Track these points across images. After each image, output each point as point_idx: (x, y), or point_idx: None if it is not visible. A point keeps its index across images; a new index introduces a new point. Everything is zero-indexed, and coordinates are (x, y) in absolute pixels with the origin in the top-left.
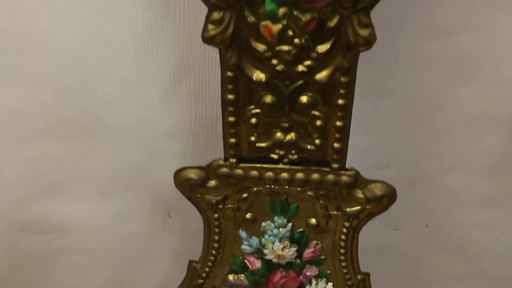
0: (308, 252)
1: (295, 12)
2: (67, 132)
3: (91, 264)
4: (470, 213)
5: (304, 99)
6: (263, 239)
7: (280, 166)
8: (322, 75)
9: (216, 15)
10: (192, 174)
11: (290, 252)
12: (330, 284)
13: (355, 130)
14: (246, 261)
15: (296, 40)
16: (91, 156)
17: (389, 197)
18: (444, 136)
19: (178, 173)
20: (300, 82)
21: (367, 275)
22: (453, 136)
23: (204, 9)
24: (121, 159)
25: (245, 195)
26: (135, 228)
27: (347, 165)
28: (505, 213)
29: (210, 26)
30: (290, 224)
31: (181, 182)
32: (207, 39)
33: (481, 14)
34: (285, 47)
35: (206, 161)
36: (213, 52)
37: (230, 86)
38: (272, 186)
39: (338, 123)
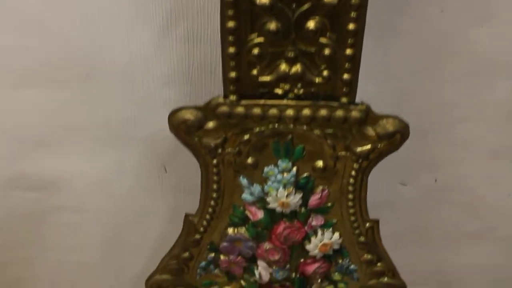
0: (314, 199)
1: None
2: (56, 78)
3: (84, 222)
4: (481, 167)
5: (311, 24)
6: (265, 186)
7: (285, 101)
8: None
9: None
10: (189, 115)
11: (295, 199)
12: (337, 233)
13: (363, 76)
14: (247, 212)
15: None
16: (82, 104)
17: (402, 133)
18: (456, 83)
19: (173, 115)
20: (307, 5)
21: (376, 222)
22: (466, 83)
23: None
24: (113, 109)
25: (246, 137)
26: (130, 184)
27: None
28: None
29: None
30: (295, 169)
31: (177, 124)
32: None
33: None
34: None
35: None
36: None
37: (230, 12)
38: (276, 126)
39: (348, 52)
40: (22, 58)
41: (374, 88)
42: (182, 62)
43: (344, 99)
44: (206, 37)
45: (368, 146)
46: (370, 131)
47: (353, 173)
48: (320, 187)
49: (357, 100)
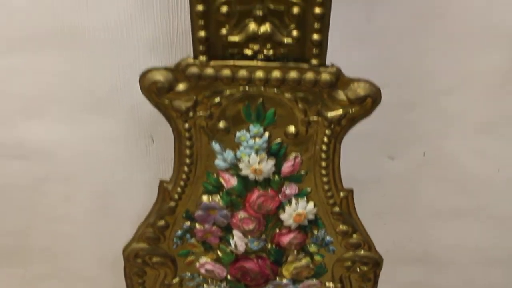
0: (287, 166)
1: None
2: (40, 44)
3: (72, 192)
4: (470, 140)
5: None
6: (238, 152)
7: (255, 62)
8: None
9: None
10: (159, 76)
11: (267, 165)
12: (311, 203)
13: (346, 44)
14: (220, 178)
15: None
16: (66, 71)
17: (373, 97)
18: (444, 50)
19: (143, 76)
20: None
21: (350, 192)
22: (455, 50)
23: None
24: (98, 76)
25: (217, 99)
26: (117, 154)
27: None
28: (507, 142)
29: None
30: (267, 134)
31: (147, 85)
32: None
33: None
34: None
35: None
36: None
37: None
38: (247, 88)
39: (317, 10)
40: (5, 24)
41: (359, 57)
42: (166, 26)
43: (314, 61)
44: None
45: (340, 111)
46: (341, 95)
47: (325, 139)
48: (293, 154)
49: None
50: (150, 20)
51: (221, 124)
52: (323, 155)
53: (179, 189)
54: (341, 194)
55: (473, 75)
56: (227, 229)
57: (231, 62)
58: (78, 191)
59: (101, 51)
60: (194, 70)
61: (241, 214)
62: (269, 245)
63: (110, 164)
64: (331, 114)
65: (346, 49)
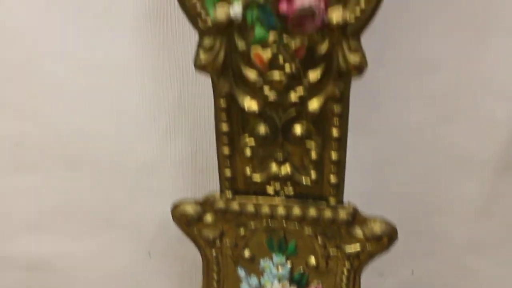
0: None
1: (285, 39)
2: (47, 164)
3: None
4: (457, 259)
5: (297, 129)
6: (262, 279)
7: (276, 200)
8: (314, 104)
9: (207, 41)
10: (189, 208)
11: None
12: None
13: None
14: None
15: (287, 67)
16: (70, 190)
17: (389, 236)
18: (428, 177)
19: (175, 208)
20: (293, 112)
21: None
22: (438, 177)
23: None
24: (100, 194)
25: (242, 231)
26: (116, 268)
27: None
28: (493, 262)
29: (202, 53)
30: (289, 263)
31: (178, 217)
32: (200, 67)
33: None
34: (276, 75)
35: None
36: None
37: (223, 116)
38: (269, 222)
39: (333, 156)
40: (15, 145)
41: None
42: (164, 151)
43: (332, 200)
44: (184, 130)
45: (358, 247)
46: (358, 232)
47: (345, 272)
48: (315, 282)
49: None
50: (149, 146)
51: (246, 253)
52: (344, 286)
53: None
54: None
55: (457, 198)
56: None
57: (254, 199)
58: None
59: (102, 171)
60: (220, 204)
61: None
62: None
63: (109, 278)
64: (349, 249)
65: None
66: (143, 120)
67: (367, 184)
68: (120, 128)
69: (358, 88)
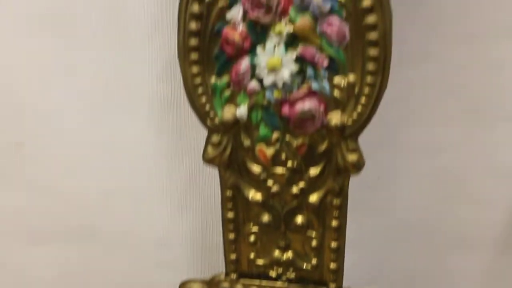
0: None
1: (287, 137)
2: (62, 237)
3: None
4: None
5: (299, 219)
6: None
7: (278, 284)
8: (314, 197)
9: (215, 138)
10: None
11: None
12: None
13: None
14: None
15: (289, 163)
16: (85, 260)
17: None
18: (429, 257)
19: (183, 286)
20: (295, 203)
21: None
22: (439, 257)
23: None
24: (110, 266)
25: None
26: None
27: None
28: None
29: (210, 149)
30: None
31: None
32: (208, 160)
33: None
34: (279, 170)
35: (197, 273)
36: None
37: (229, 205)
38: None
39: (333, 244)
40: (35, 218)
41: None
42: (174, 227)
43: (332, 285)
44: (196, 207)
45: None
46: None
47: None
48: None
49: None
50: (160, 222)
51: None
52: None
53: None
54: None
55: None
56: None
57: (257, 282)
58: None
59: (115, 245)
60: (225, 285)
61: None
62: None
63: None
64: None
65: None
66: (155, 196)
67: (368, 263)
68: (132, 203)
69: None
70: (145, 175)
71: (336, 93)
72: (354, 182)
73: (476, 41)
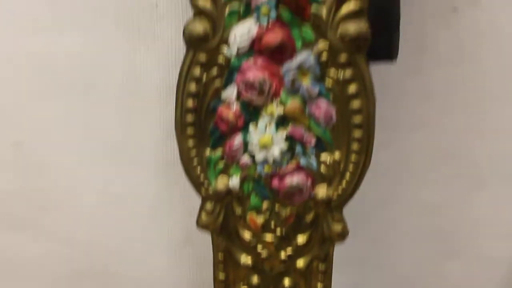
0: None
1: (277, 207)
2: (81, 284)
3: None
4: None
5: (286, 282)
6: None
7: None
8: (301, 263)
9: (208, 206)
10: None
11: None
12: None
13: None
14: None
15: (278, 231)
16: None
17: None
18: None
19: None
20: (282, 267)
21: None
22: None
23: None
24: None
25: None
26: None
27: None
28: None
29: (203, 215)
30: None
31: None
32: (201, 226)
33: (462, 195)
34: (268, 237)
35: None
36: None
37: (221, 267)
38: None
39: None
40: (55, 265)
41: None
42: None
43: None
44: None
45: None
46: None
47: None
48: None
49: None
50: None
51: None
52: None
53: None
54: None
55: None
56: None
57: None
58: None
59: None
60: None
61: None
62: None
63: None
64: None
65: None
66: (153, 247)
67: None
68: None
69: (364, 223)
70: (145, 226)
71: (323, 169)
72: (358, 237)
73: (470, 109)
